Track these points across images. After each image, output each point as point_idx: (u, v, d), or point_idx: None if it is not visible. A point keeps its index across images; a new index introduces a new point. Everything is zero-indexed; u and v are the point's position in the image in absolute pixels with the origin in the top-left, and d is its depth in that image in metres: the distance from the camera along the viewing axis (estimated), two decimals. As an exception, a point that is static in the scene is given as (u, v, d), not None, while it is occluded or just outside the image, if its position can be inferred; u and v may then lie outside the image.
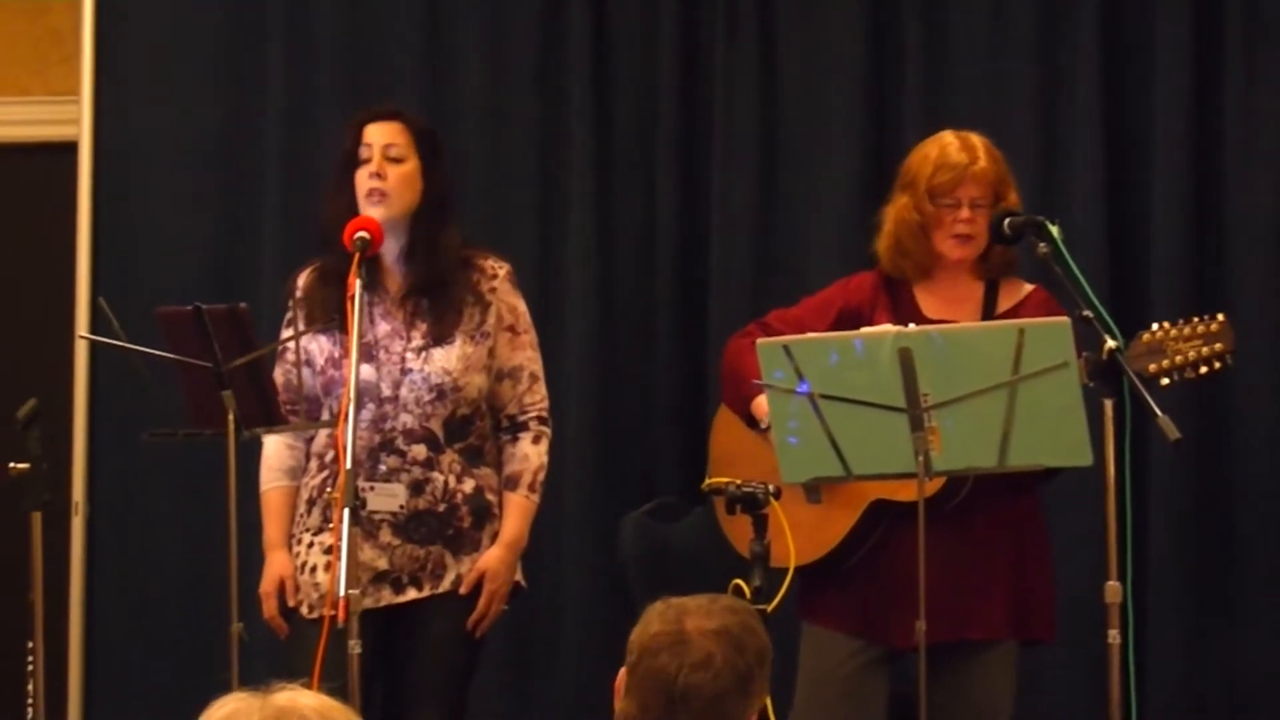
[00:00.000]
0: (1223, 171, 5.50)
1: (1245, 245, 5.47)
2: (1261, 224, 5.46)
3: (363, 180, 4.58)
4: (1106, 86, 5.53)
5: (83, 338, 5.81)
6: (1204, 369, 4.40)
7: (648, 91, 5.79)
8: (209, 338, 4.33)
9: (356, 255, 4.35)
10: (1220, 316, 4.44)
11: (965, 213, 4.52)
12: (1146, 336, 4.44)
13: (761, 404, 4.40)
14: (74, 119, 6.02)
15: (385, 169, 4.57)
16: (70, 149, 6.03)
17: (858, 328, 4.41)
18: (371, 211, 4.53)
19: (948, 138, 4.58)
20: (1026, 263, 4.57)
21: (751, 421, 4.52)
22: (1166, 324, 4.44)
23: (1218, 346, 4.40)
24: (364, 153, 4.59)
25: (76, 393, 5.97)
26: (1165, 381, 4.40)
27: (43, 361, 6.12)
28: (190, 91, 6.01)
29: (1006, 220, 4.43)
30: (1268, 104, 5.48)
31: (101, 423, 5.96)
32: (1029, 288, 4.61)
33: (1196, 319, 4.43)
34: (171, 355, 4.38)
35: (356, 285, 4.30)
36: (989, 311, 4.57)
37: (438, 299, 4.58)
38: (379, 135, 4.60)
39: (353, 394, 4.21)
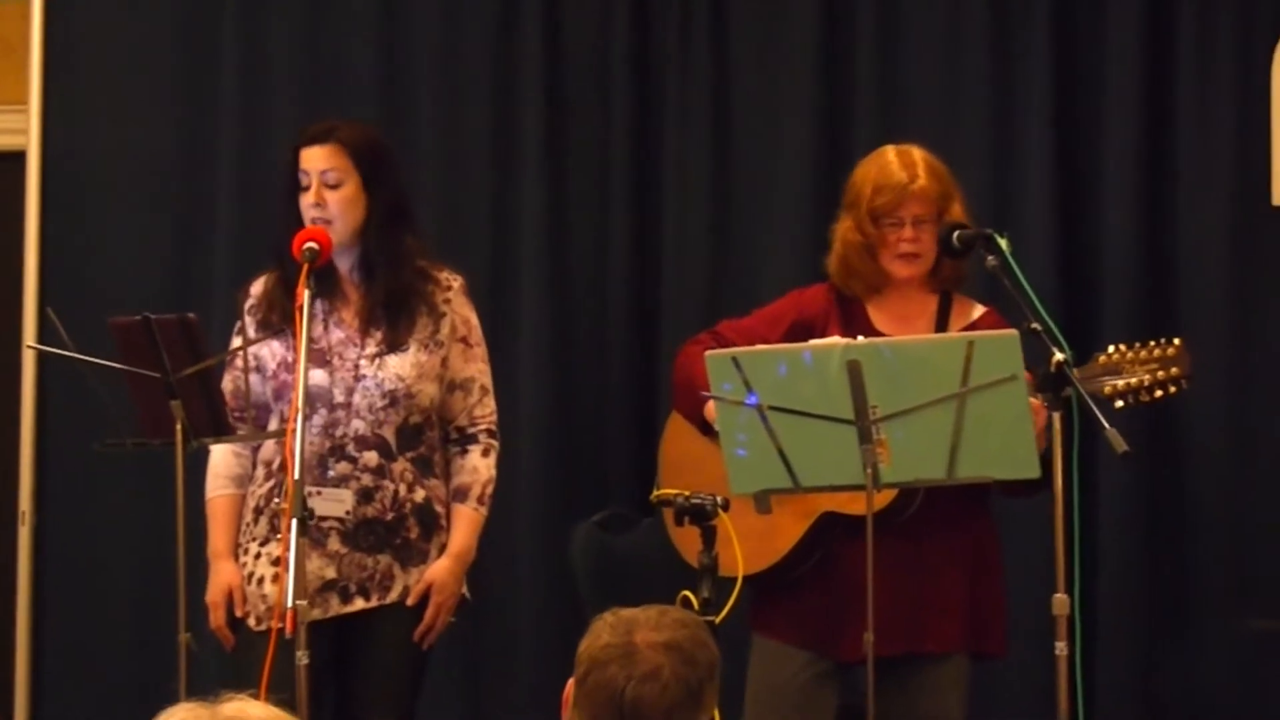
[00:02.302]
0: (1175, 185, 5.52)
1: (1197, 258, 5.49)
2: (1214, 238, 5.48)
3: (305, 208, 4.55)
4: (1058, 101, 5.55)
5: (30, 348, 5.79)
6: (1159, 393, 4.39)
7: (600, 106, 5.80)
8: (158, 348, 4.32)
9: (305, 266, 4.34)
10: (1177, 341, 4.41)
11: (909, 231, 4.51)
12: (1103, 358, 4.43)
13: (713, 409, 4.39)
14: (23, 128, 5.99)
15: (324, 196, 4.54)
16: (19, 158, 6.01)
17: (810, 339, 4.42)
18: None
19: (889, 155, 4.56)
20: (981, 278, 4.56)
21: (705, 427, 4.50)
22: (1123, 346, 4.42)
23: (1174, 371, 4.39)
24: (303, 179, 4.56)
25: (24, 402, 5.94)
26: (1120, 404, 4.40)
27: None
28: (141, 100, 6.00)
29: (956, 234, 4.43)
30: (1220, 115, 5.50)
31: (50, 432, 5.94)
32: (982, 309, 4.62)
33: (1154, 343, 4.42)
34: (119, 365, 4.37)
35: (305, 296, 4.28)
36: (941, 328, 4.56)
37: (395, 308, 4.58)
38: (315, 161, 4.56)
39: (300, 405, 4.18)
